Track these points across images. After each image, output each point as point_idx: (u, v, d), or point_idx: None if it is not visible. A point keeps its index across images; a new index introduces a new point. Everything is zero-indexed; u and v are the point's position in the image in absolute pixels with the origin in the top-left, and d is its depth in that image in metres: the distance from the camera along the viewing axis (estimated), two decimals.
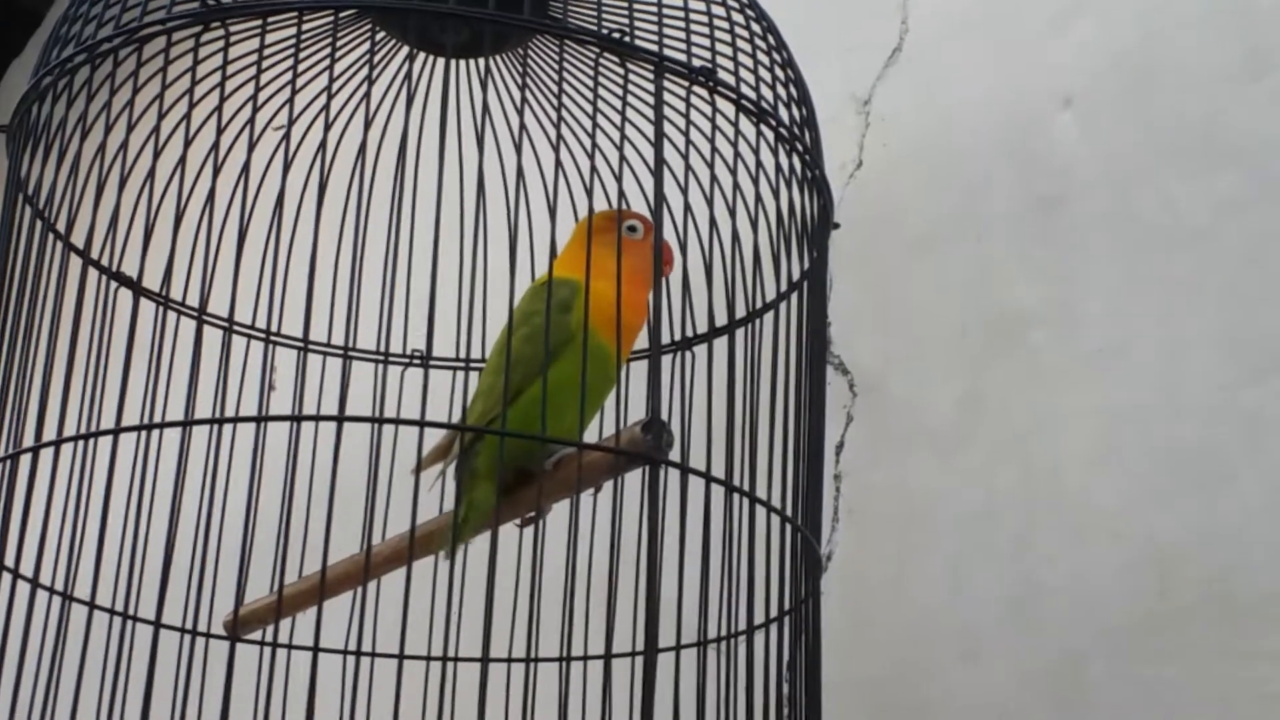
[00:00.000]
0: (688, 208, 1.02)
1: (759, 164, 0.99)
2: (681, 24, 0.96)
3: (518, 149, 0.90)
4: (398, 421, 0.88)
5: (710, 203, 1.00)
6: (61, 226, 1.01)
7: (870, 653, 1.18)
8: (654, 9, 0.96)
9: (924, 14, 1.33)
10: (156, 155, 0.95)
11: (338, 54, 1.01)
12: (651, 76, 0.93)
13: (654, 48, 0.93)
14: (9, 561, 0.96)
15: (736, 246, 1.00)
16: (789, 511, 0.97)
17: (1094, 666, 1.07)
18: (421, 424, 0.86)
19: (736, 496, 0.93)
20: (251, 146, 0.94)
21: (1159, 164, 1.15)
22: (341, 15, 1.02)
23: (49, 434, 0.94)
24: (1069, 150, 1.20)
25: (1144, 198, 1.14)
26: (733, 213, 0.98)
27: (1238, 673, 1.01)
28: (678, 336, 1.14)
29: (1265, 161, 1.09)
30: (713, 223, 0.99)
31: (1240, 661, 1.01)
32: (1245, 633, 1.01)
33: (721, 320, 1.06)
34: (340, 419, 0.85)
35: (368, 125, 0.95)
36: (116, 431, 0.90)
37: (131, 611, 0.97)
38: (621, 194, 0.98)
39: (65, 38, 0.98)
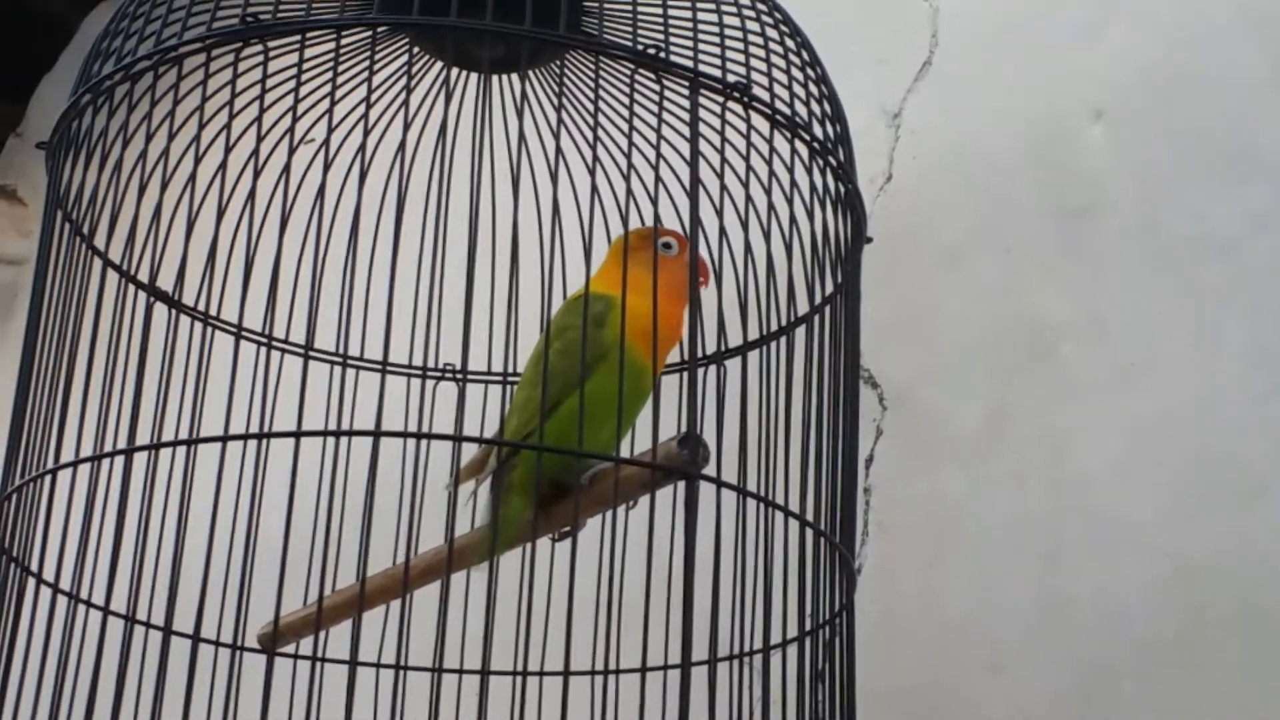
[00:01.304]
0: (721, 223, 1.02)
1: (793, 179, 1.00)
2: (716, 40, 0.97)
3: (553, 177, 0.90)
4: (433, 436, 0.88)
5: (744, 219, 1.00)
6: (100, 242, 1.02)
7: (900, 665, 1.18)
8: (689, 25, 0.96)
9: (954, 27, 1.33)
10: (196, 166, 0.96)
11: (375, 69, 1.01)
12: (686, 92, 0.94)
13: (689, 63, 0.93)
14: (49, 575, 0.97)
15: (770, 261, 1.00)
16: (823, 525, 0.98)
17: (1124, 680, 1.07)
18: (458, 439, 0.87)
19: (771, 510, 0.93)
20: (289, 161, 0.95)
21: (1189, 175, 1.15)
22: (378, 31, 1.03)
23: (86, 450, 0.94)
24: (1099, 162, 1.20)
25: (1174, 209, 1.15)
26: (766, 229, 0.99)
27: (1268, 687, 1.01)
28: (711, 350, 1.14)
29: None
30: (746, 240, 0.99)
31: (1271, 676, 1.01)
32: (1276, 647, 1.01)
33: (755, 334, 1.06)
34: (376, 434, 0.86)
35: (406, 127, 0.95)
36: (155, 447, 0.91)
37: (170, 625, 0.98)
38: (656, 210, 0.99)
39: (105, 52, 0.99)
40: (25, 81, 2.27)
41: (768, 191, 0.99)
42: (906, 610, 1.20)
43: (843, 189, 1.03)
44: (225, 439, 0.88)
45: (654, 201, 0.98)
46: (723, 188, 1.01)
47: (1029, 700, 1.12)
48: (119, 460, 0.93)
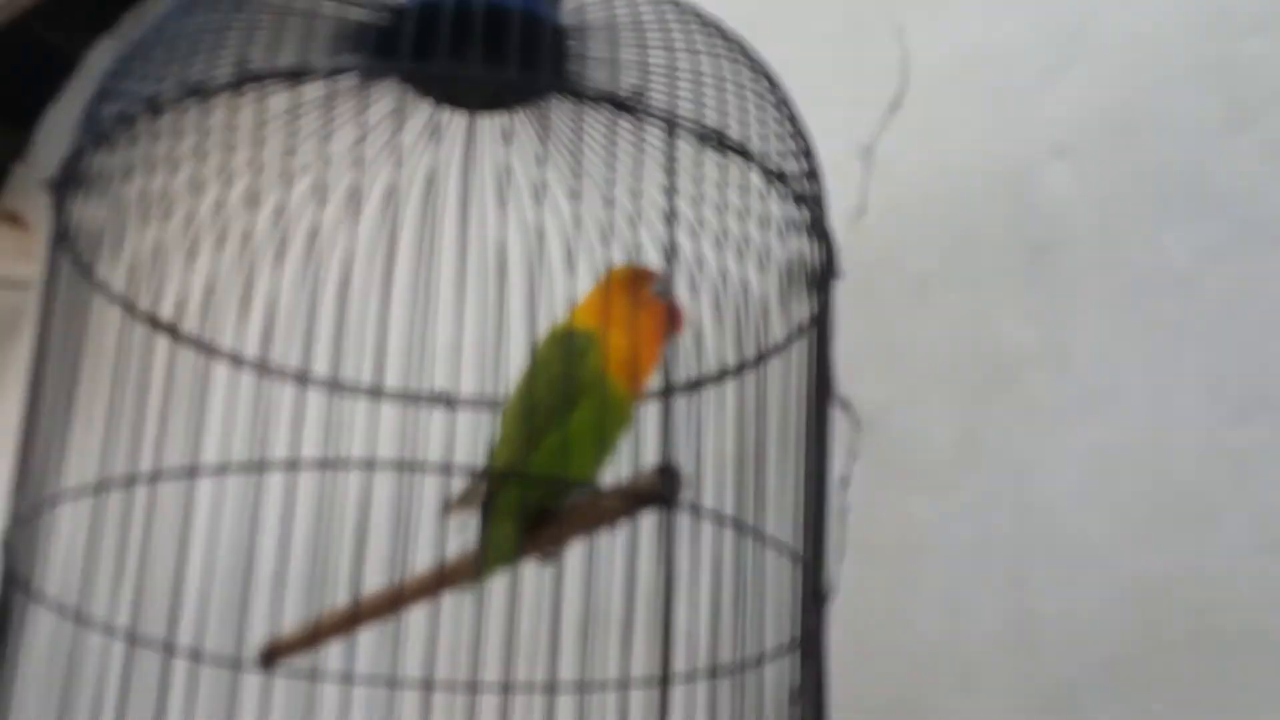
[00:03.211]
0: (699, 254, 1.06)
1: (767, 215, 1.03)
2: (692, 84, 1.00)
3: (538, 203, 0.93)
4: (425, 469, 0.92)
5: (721, 252, 1.04)
6: (100, 274, 1.05)
7: (872, 682, 1.21)
8: (666, 69, 1.00)
9: (924, 67, 1.36)
10: (196, 202, 0.99)
11: (367, 106, 1.04)
12: (664, 133, 0.97)
13: (666, 107, 0.96)
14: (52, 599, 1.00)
15: (745, 295, 1.03)
16: (798, 548, 1.01)
17: (1086, 697, 1.10)
18: (448, 471, 0.90)
19: (746, 534, 0.96)
20: (285, 199, 0.99)
21: (1147, 211, 1.18)
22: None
23: (90, 477, 0.97)
24: (1061, 198, 1.23)
25: (1133, 244, 1.18)
26: (742, 263, 1.02)
27: (1224, 704, 1.04)
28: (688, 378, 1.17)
29: (1247, 210, 1.12)
30: (722, 271, 1.03)
31: (1226, 693, 1.04)
32: (1231, 665, 1.05)
33: (731, 364, 1.09)
34: (370, 467, 0.89)
35: (398, 167, 0.99)
36: (155, 479, 0.94)
37: (172, 644, 1.01)
38: (636, 242, 1.02)
39: (109, 93, 1.02)
40: (31, 110, 2.30)
41: (743, 223, 1.02)
42: (878, 629, 1.23)
43: (815, 226, 1.07)
44: (223, 472, 0.91)
45: (634, 230, 1.02)
46: (699, 222, 1.05)
47: (996, 716, 1.15)
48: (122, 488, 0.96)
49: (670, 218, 0.95)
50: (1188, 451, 1.11)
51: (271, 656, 1.02)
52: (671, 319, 0.95)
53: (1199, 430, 1.11)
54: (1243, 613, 1.05)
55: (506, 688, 1.10)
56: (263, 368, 1.08)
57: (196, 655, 0.96)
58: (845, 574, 1.26)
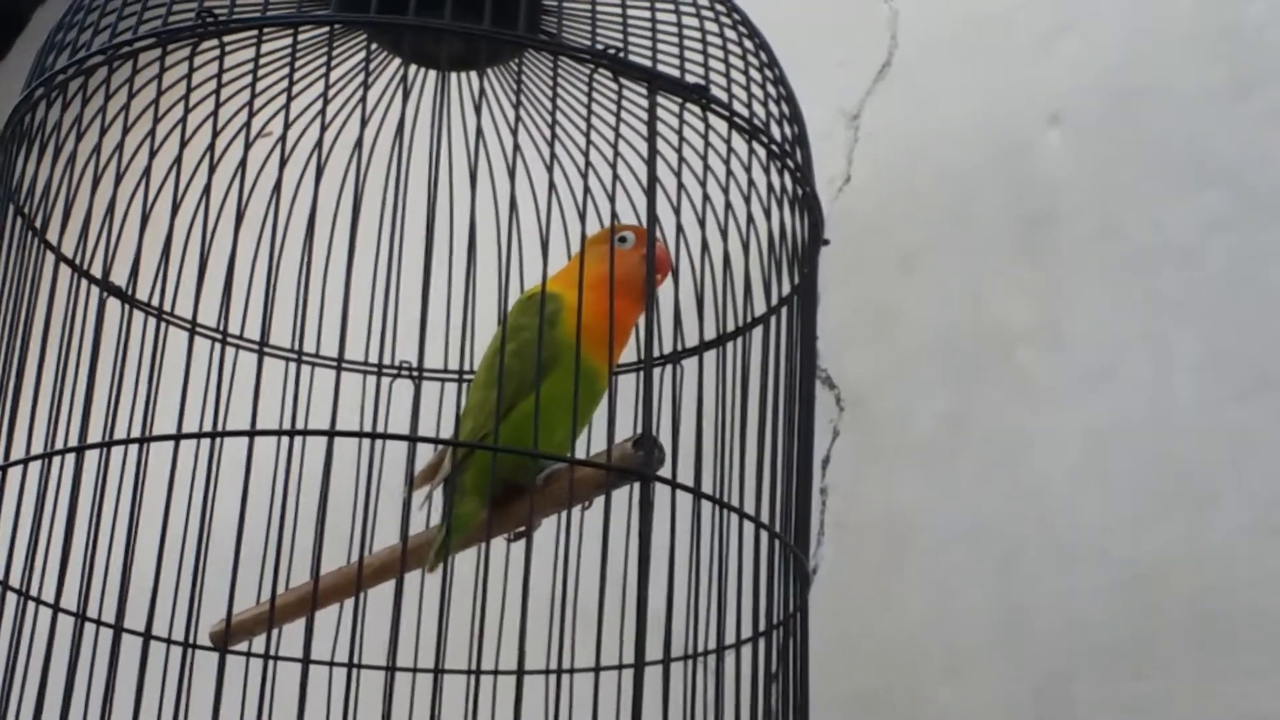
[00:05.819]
0: (679, 224, 1.02)
1: (750, 181, 1.00)
2: (675, 41, 0.97)
3: (511, 175, 0.90)
4: (388, 437, 0.88)
5: (702, 220, 1.00)
6: (52, 237, 1.01)
7: (854, 668, 1.18)
8: (648, 25, 0.96)
9: (913, 30, 1.33)
10: (150, 160, 0.95)
11: (332, 65, 1.00)
12: (645, 93, 0.93)
13: (648, 64, 0.93)
14: None
15: (727, 262, 1.00)
16: (778, 527, 0.98)
17: (1079, 685, 1.08)
18: (413, 439, 0.86)
19: (726, 511, 0.93)
20: (245, 156, 0.95)
21: (1145, 182, 1.15)
22: (335, 27, 1.03)
23: (38, 446, 0.94)
24: (1056, 168, 1.20)
25: (1130, 216, 1.15)
26: (724, 230, 0.99)
27: (1222, 692, 1.02)
28: (668, 350, 1.14)
29: (1251, 181, 1.10)
30: (704, 240, 0.99)
31: (1225, 680, 1.02)
32: (1230, 652, 1.02)
33: (711, 335, 1.06)
34: (331, 434, 0.85)
35: (363, 124, 0.95)
36: (107, 445, 0.90)
37: (120, 623, 0.97)
38: (614, 209, 0.99)
39: (60, 45, 0.98)
40: None
41: (725, 192, 0.99)
42: (862, 613, 1.21)
43: (800, 191, 1.03)
44: (179, 437, 0.87)
45: (611, 200, 0.98)
46: (680, 189, 1.01)
47: (985, 705, 1.12)
48: (70, 457, 0.92)
49: (651, 183, 0.91)
50: (1186, 431, 1.08)
51: (226, 638, 0.98)
52: (650, 274, 0.90)
53: (1198, 409, 1.08)
54: (1242, 597, 1.03)
55: (475, 670, 1.06)
56: (221, 336, 1.04)
57: (148, 634, 0.92)
58: (826, 555, 1.23)
